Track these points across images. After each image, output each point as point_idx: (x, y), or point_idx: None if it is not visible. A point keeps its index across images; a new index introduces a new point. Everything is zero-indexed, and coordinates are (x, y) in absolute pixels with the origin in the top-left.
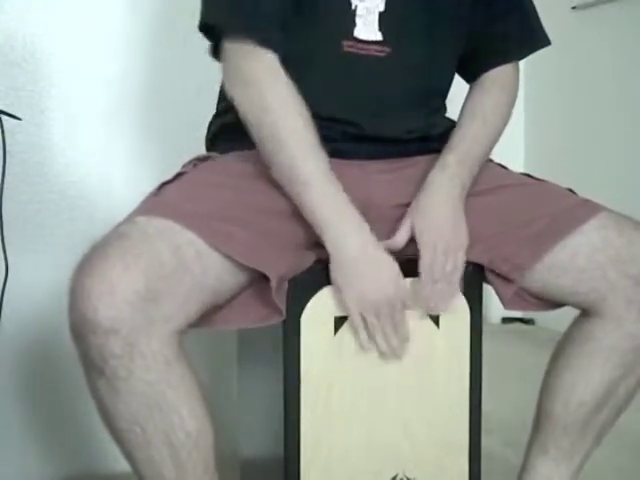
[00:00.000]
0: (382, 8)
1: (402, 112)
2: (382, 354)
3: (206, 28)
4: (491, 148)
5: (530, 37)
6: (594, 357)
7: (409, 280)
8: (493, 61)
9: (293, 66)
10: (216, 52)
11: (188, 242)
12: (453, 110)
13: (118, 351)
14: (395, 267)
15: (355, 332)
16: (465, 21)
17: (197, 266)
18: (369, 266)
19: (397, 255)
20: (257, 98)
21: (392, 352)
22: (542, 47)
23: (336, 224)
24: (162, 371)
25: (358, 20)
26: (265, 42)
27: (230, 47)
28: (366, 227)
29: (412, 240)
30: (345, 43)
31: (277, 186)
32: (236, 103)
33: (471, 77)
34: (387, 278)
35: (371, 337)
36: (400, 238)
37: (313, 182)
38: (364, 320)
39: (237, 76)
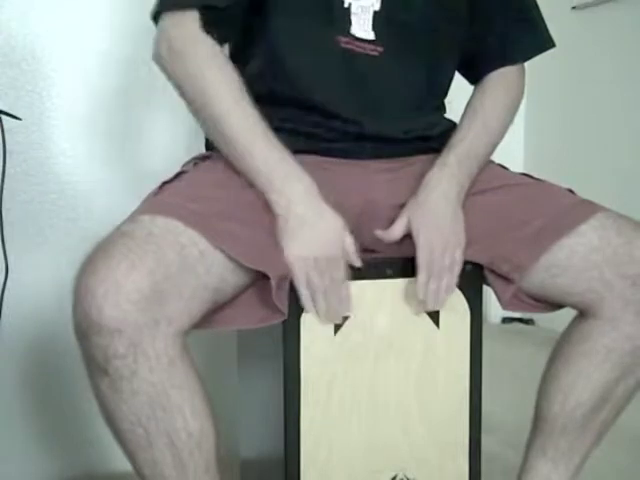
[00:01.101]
0: (377, 7)
1: (400, 112)
2: (319, 315)
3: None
4: (492, 150)
5: (534, 39)
6: (592, 358)
7: (407, 280)
8: (495, 63)
9: (292, 63)
10: None
11: (191, 242)
12: (453, 110)
13: (122, 351)
14: (339, 221)
15: (297, 290)
16: (463, 22)
17: (201, 266)
18: (312, 220)
19: (396, 255)
20: (181, 65)
21: (329, 313)
22: (546, 49)
23: (279, 177)
24: (166, 371)
25: (353, 18)
26: (188, 4)
27: (165, 16)
28: (310, 181)
29: (410, 239)
30: (342, 39)
31: (225, 157)
32: (163, 70)
33: (475, 78)
34: (330, 233)
35: (313, 295)
36: (395, 231)
37: (253, 148)
38: (308, 278)
39: (165, 44)
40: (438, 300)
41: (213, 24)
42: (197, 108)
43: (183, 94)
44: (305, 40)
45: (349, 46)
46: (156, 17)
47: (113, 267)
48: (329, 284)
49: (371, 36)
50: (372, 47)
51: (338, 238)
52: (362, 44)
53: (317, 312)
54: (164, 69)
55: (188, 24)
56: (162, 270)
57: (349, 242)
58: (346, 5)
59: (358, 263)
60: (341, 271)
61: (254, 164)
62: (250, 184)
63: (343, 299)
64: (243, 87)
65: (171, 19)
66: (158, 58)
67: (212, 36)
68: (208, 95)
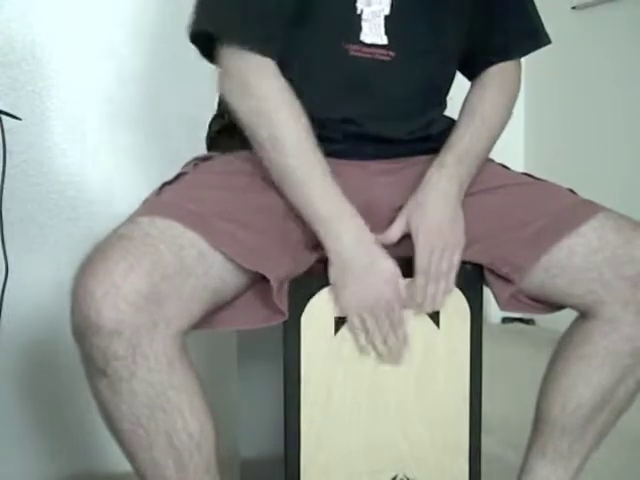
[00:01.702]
0: (387, 12)
1: (404, 113)
2: (381, 356)
3: (198, 36)
4: (490, 147)
5: (530, 35)
6: (592, 359)
7: (407, 280)
8: (492, 58)
9: (298, 68)
10: (209, 54)
11: (190, 243)
12: (453, 111)
13: (121, 352)
14: (392, 267)
15: (353, 334)
16: (467, 21)
17: (200, 267)
18: (366, 266)
19: (395, 255)
20: (256, 107)
21: (390, 354)
22: (542, 46)
23: (333, 223)
24: (165, 372)
25: (364, 24)
26: (265, 50)
27: (228, 53)
28: (363, 226)
29: (410, 240)
30: (352, 47)
31: (278, 186)
32: (234, 109)
33: (472, 74)
34: (384, 278)
35: (369, 339)
36: (393, 233)
37: (310, 182)
38: (363, 322)
39: (236, 83)
40: (435, 303)
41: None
42: (265, 147)
43: (252, 133)
44: (314, 48)
45: (358, 54)
46: (198, 36)
47: (111, 269)
48: (386, 330)
49: (384, 41)
50: (384, 52)
51: (393, 283)
52: (372, 50)
53: (375, 352)
54: (232, 103)
55: (260, 62)
56: (160, 271)
57: (402, 285)
58: (358, 12)
59: (417, 293)
60: (398, 314)
61: (313, 206)
62: (256, 185)
63: (401, 339)
64: (309, 126)
65: (231, 50)
66: (226, 92)
67: (269, 54)
68: (277, 138)
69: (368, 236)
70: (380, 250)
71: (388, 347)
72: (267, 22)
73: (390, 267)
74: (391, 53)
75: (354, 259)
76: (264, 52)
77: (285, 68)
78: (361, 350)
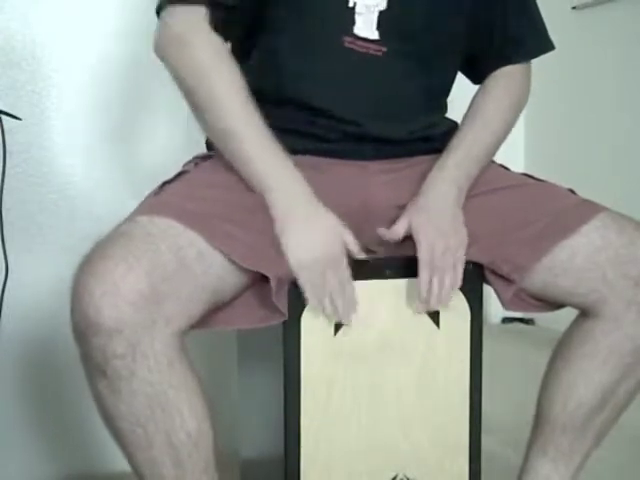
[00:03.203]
0: (384, 7)
1: (403, 112)
2: (329, 317)
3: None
4: (493, 150)
5: (534, 40)
6: (593, 358)
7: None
8: (498, 62)
9: (297, 58)
10: None
11: (190, 242)
12: (454, 111)
13: (120, 351)
14: (335, 220)
15: (302, 292)
16: (466, 22)
17: (199, 266)
18: (309, 220)
19: (395, 255)
20: (188, 57)
21: (337, 314)
22: (546, 51)
23: (279, 184)
24: (164, 371)
25: (357, 17)
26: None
27: (165, 13)
28: (307, 186)
29: (411, 240)
30: (346, 39)
31: (219, 150)
32: (166, 63)
33: (477, 78)
34: (328, 232)
35: (317, 296)
36: (398, 230)
37: (251, 147)
38: (310, 277)
39: (171, 36)
40: (441, 299)
41: (219, 21)
42: (196, 103)
43: (183, 85)
44: (308, 39)
45: (352, 46)
46: (160, 10)
47: (111, 268)
48: (333, 285)
49: (375, 36)
50: (376, 47)
51: (337, 237)
52: (365, 44)
53: (324, 313)
54: (165, 59)
55: (194, 18)
56: (160, 271)
57: (349, 239)
58: (351, 4)
59: (361, 255)
60: (344, 271)
61: (251, 165)
62: (247, 186)
63: (349, 299)
64: (245, 86)
65: (177, 12)
66: (160, 48)
67: (218, 33)
68: (209, 89)
69: (310, 193)
70: (323, 206)
71: (334, 305)
72: None
73: (333, 222)
74: (383, 49)
75: (297, 215)
76: (195, 2)
77: (283, 57)
78: (312, 310)
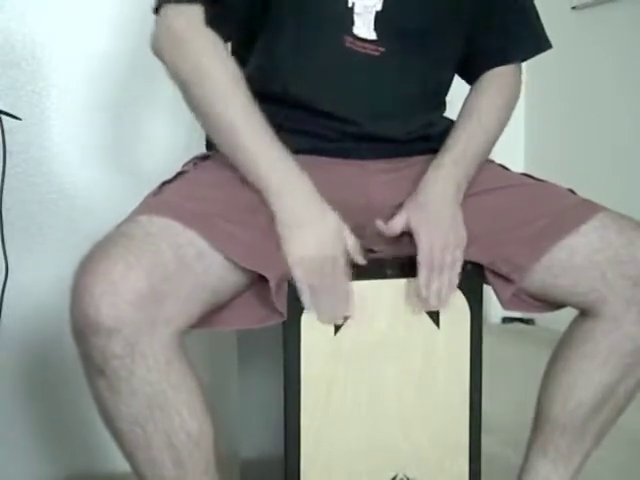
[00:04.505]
0: (379, 7)
1: (401, 112)
2: (322, 315)
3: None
4: (488, 148)
5: (530, 40)
6: (593, 358)
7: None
8: (491, 62)
9: (297, 58)
10: None
11: (189, 242)
12: (454, 111)
13: (119, 351)
14: (337, 221)
15: (298, 290)
16: (464, 22)
17: (198, 266)
18: (310, 220)
19: (395, 255)
20: (185, 54)
21: (332, 315)
22: (542, 51)
23: (273, 177)
24: (163, 371)
25: (356, 18)
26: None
27: (162, 13)
28: (309, 182)
29: (410, 238)
30: (347, 39)
31: (222, 151)
32: (163, 61)
33: (471, 78)
34: (329, 232)
35: (313, 295)
36: (396, 224)
37: (250, 143)
38: (307, 276)
39: (168, 35)
40: (440, 298)
41: (217, 20)
42: (195, 100)
43: (181, 83)
44: (308, 39)
45: (352, 46)
46: (157, 9)
47: (110, 267)
48: (330, 284)
49: (373, 36)
50: (374, 47)
51: (338, 237)
52: (364, 44)
53: (318, 312)
54: (162, 59)
55: (192, 17)
56: (159, 270)
57: (351, 241)
58: (350, 5)
59: (362, 261)
60: (341, 271)
61: (252, 162)
62: (248, 183)
63: (343, 299)
64: (244, 83)
65: (174, 11)
66: (157, 47)
67: (216, 31)
68: (208, 88)
69: (313, 190)
70: (326, 205)
71: (329, 305)
72: None
73: (335, 222)
74: (380, 49)
75: (298, 213)
76: (192, 1)
77: (283, 57)
78: (307, 309)
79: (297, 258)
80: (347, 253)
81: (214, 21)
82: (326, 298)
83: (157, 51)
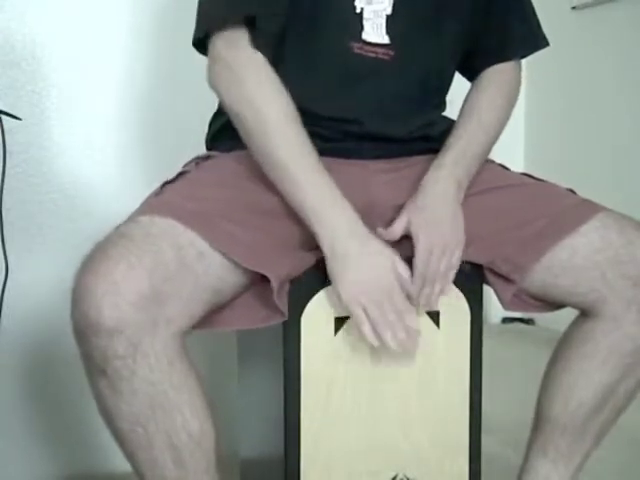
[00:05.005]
0: (389, 11)
1: (404, 112)
2: (391, 352)
3: (199, 41)
4: (489, 147)
5: (528, 38)
6: (593, 358)
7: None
8: (490, 60)
9: (303, 65)
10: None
11: (190, 242)
12: (454, 111)
13: (121, 351)
14: (390, 254)
15: (359, 329)
16: (467, 22)
17: (199, 266)
18: (362, 253)
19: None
20: (240, 90)
21: (400, 346)
22: (540, 48)
23: (324, 212)
24: (165, 371)
25: (366, 23)
26: (248, 24)
27: (217, 41)
28: (354, 214)
29: (409, 240)
30: (355, 45)
31: (270, 180)
32: (222, 97)
33: (471, 75)
34: (383, 266)
35: (376, 332)
36: (396, 230)
37: (301, 177)
38: (366, 313)
39: (222, 69)
40: (429, 304)
41: (260, 38)
42: (251, 133)
43: (238, 120)
44: (315, 47)
45: (360, 52)
46: (201, 42)
47: (112, 268)
48: (392, 317)
49: (386, 40)
50: (384, 51)
51: (389, 268)
52: (374, 48)
53: (388, 345)
54: (219, 93)
55: (241, 44)
56: (161, 271)
57: (403, 269)
58: (358, 10)
59: (414, 292)
60: (400, 300)
61: (301, 196)
62: (257, 185)
63: (411, 328)
64: (298, 118)
65: (223, 41)
66: (214, 83)
67: (262, 51)
68: (264, 124)
69: (360, 224)
70: (374, 237)
71: (396, 339)
72: (249, 6)
73: (388, 253)
74: (391, 52)
75: (349, 247)
76: (235, 20)
77: (289, 65)
78: (372, 349)
79: (351, 297)
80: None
81: (257, 41)
82: (393, 332)
83: (213, 87)
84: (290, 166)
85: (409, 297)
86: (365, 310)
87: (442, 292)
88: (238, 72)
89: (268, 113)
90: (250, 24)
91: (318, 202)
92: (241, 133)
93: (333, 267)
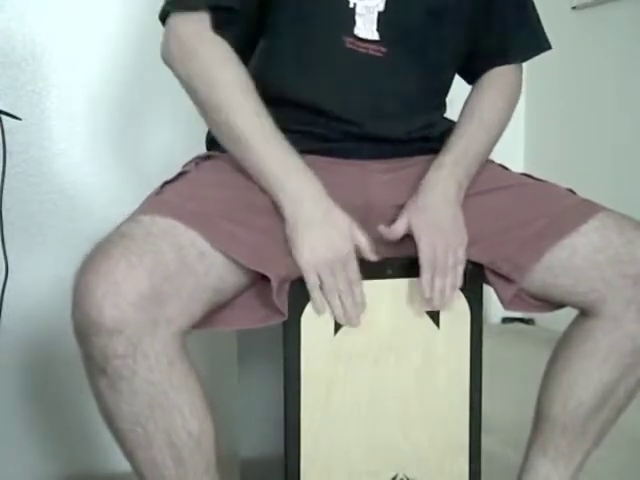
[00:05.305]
0: (382, 8)
1: (402, 112)
2: (338, 318)
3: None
4: (489, 148)
5: (531, 40)
6: (593, 357)
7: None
8: (491, 62)
9: (297, 59)
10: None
11: (191, 242)
12: (454, 111)
13: (121, 351)
14: (347, 220)
15: (309, 294)
16: (465, 22)
17: (200, 266)
18: (320, 220)
19: (397, 255)
20: (195, 65)
21: (346, 317)
22: (542, 51)
23: (282, 179)
24: (165, 371)
25: (358, 18)
26: (200, 6)
27: (170, 20)
28: (320, 185)
29: (411, 240)
30: (347, 40)
31: (229, 151)
32: (176, 72)
33: (471, 78)
34: (342, 234)
35: (326, 297)
36: (398, 228)
37: (260, 145)
38: (319, 278)
39: (173, 43)
40: (444, 298)
41: (223, 24)
42: (205, 107)
43: (192, 93)
44: (308, 41)
45: (352, 47)
46: (164, 17)
47: (112, 267)
48: (342, 286)
49: (376, 36)
50: (376, 47)
51: (348, 237)
52: (365, 44)
53: (333, 314)
54: (173, 68)
55: (199, 24)
56: (161, 270)
57: (361, 239)
58: (351, 5)
59: (373, 258)
60: (354, 271)
61: (260, 164)
62: (256, 185)
63: (357, 300)
64: (253, 87)
65: (181, 19)
66: (168, 57)
67: (223, 36)
68: (217, 94)
69: (321, 190)
70: (334, 204)
71: (345, 307)
72: None
73: (345, 221)
74: (382, 49)
75: (308, 214)
76: (198, 8)
77: (284, 58)
78: (318, 312)
79: (307, 260)
80: (358, 252)
81: (220, 26)
82: (340, 300)
83: (167, 60)
84: (247, 135)
85: (423, 296)
86: (319, 276)
87: (454, 285)
88: (193, 48)
89: (221, 83)
90: (217, 12)
91: (280, 168)
92: (197, 108)
93: (294, 232)
